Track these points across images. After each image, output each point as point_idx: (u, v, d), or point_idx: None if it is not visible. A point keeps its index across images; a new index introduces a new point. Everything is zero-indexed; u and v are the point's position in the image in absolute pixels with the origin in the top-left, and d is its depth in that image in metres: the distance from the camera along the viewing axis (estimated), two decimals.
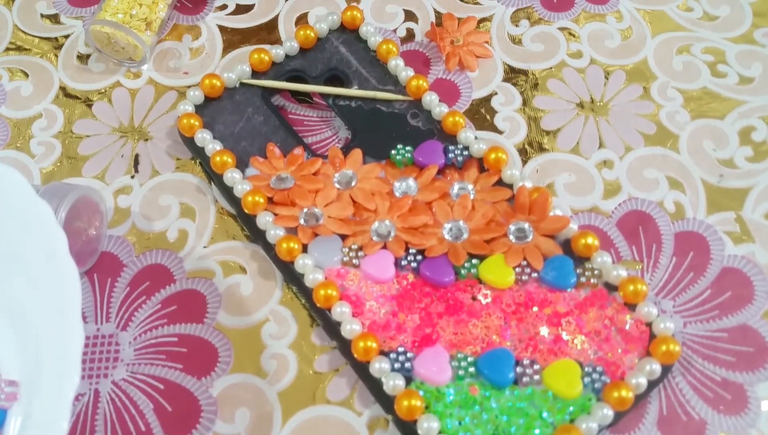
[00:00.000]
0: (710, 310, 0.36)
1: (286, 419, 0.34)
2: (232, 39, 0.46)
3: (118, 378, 0.35)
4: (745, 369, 0.34)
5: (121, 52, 0.44)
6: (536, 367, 0.33)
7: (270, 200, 0.38)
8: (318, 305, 0.35)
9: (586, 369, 0.33)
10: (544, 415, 0.32)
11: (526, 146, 0.41)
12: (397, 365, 0.33)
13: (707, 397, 0.34)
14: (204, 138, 0.40)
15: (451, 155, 0.39)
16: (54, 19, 0.47)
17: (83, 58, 0.46)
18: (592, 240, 0.35)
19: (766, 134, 0.41)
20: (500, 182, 0.38)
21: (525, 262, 0.36)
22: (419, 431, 0.31)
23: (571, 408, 0.32)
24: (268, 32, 0.46)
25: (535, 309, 0.35)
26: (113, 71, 0.45)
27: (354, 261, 0.36)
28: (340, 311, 0.34)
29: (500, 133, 0.41)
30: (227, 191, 0.38)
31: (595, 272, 0.35)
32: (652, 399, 0.34)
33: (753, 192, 0.39)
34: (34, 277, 0.29)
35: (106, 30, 0.42)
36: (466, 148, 0.39)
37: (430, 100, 0.41)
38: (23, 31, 0.47)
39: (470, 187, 0.38)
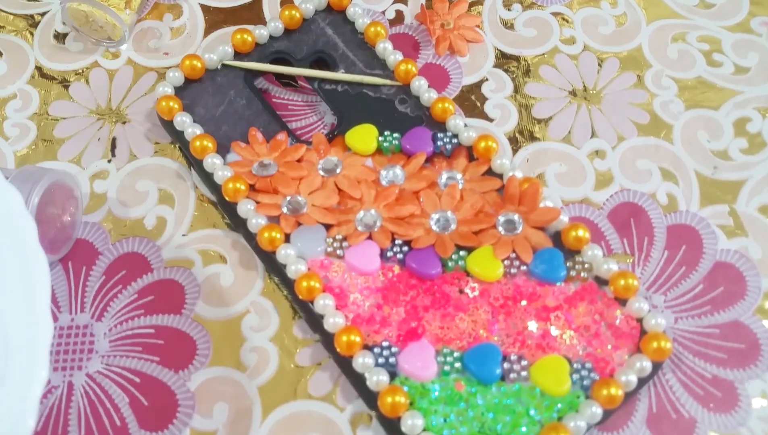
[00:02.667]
0: (702, 306, 0.35)
1: (266, 414, 0.33)
2: (215, 18, 0.44)
3: (93, 370, 0.34)
4: (736, 366, 0.33)
5: (99, 31, 0.42)
6: (524, 363, 0.32)
7: (252, 187, 0.37)
8: (300, 297, 0.34)
9: (575, 365, 0.32)
10: (532, 412, 0.31)
11: (517, 135, 0.40)
12: (381, 360, 0.32)
13: (697, 395, 0.33)
14: (183, 121, 0.38)
15: (439, 143, 0.38)
16: None
17: (60, 37, 0.44)
18: (582, 232, 0.34)
19: (761, 125, 0.40)
20: (490, 172, 0.37)
21: (514, 255, 0.35)
22: (403, 428, 0.30)
23: (558, 405, 0.31)
24: (252, 12, 0.45)
25: (524, 303, 0.34)
26: (91, 51, 0.43)
27: (338, 252, 0.35)
28: (323, 304, 0.33)
29: (490, 120, 0.40)
30: (207, 177, 0.37)
31: (586, 266, 0.34)
32: (642, 396, 0.33)
33: (747, 185, 0.38)
34: (1, 268, 0.28)
35: (83, 8, 0.41)
36: (455, 135, 0.38)
37: (419, 85, 0.39)
38: None
39: (459, 176, 0.37)
